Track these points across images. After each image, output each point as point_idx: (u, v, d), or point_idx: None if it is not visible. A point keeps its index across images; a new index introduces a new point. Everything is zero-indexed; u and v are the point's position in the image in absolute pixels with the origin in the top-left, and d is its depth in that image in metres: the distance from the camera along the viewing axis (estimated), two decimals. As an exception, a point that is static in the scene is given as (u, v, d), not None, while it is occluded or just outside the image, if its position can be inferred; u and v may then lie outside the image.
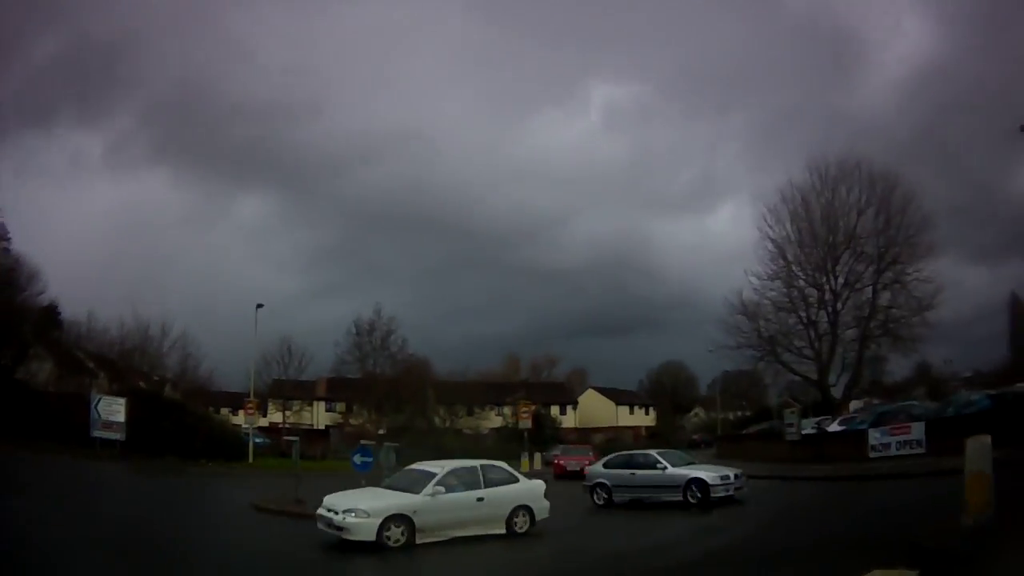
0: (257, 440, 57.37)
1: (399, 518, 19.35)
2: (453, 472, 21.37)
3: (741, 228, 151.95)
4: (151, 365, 68.14)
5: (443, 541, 19.80)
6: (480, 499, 20.94)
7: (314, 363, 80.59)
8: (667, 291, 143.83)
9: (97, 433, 46.66)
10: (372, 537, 18.88)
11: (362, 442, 33.14)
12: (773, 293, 56.83)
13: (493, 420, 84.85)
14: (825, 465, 40.03)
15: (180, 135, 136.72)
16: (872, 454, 39.76)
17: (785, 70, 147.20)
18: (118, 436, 46.76)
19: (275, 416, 78.54)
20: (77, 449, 44.65)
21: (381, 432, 61.31)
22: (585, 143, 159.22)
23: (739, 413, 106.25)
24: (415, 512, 19.60)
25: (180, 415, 51.60)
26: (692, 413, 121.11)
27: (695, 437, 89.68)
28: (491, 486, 21.42)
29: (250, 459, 52.60)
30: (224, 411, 75.21)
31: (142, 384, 61.20)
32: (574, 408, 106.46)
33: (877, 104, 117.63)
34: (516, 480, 22.31)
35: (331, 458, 58.60)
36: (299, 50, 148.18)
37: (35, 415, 45.95)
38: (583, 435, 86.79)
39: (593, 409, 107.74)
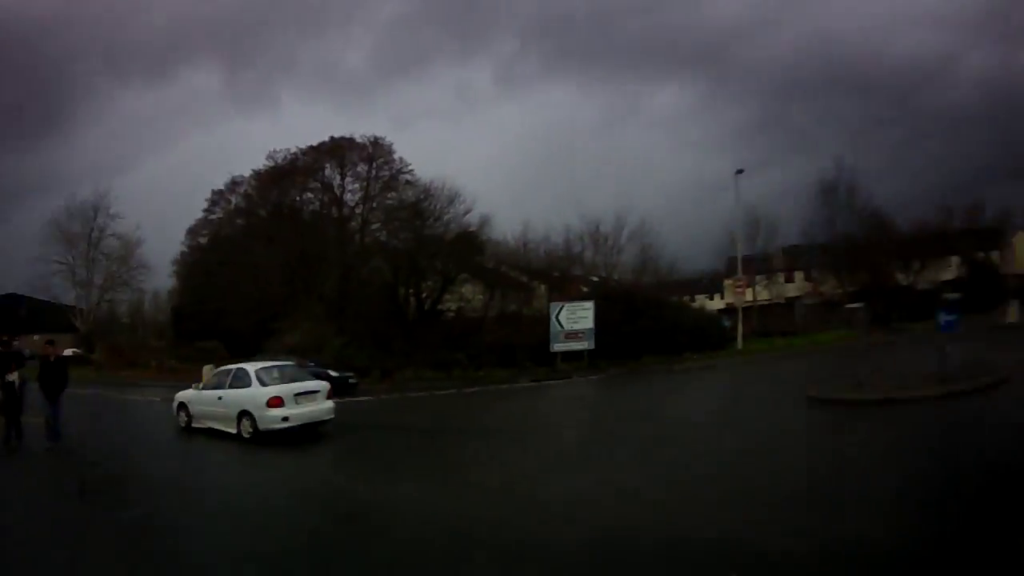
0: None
1: (183, 405, 23.23)
2: (216, 372, 24.02)
3: None
4: (605, 264, 63.40)
5: (205, 428, 22.11)
6: (219, 398, 21.88)
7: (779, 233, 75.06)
8: None
9: (558, 346, 41.72)
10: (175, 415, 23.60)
11: (945, 296, 25.23)
12: None
13: (945, 272, 74.90)
14: None
15: (569, 44, 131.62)
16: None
17: None
18: (585, 344, 41.59)
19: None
20: (535, 368, 40.82)
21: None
22: None
23: None
24: (189, 401, 23.08)
25: (658, 311, 45.87)
26: None
27: None
28: (232, 387, 21.79)
29: (739, 345, 47.93)
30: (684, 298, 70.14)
31: (584, 288, 55.14)
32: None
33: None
34: (248, 385, 21.60)
35: (811, 331, 53.33)
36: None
37: (471, 342, 43.64)
38: None
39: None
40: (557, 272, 58.10)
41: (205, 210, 62.64)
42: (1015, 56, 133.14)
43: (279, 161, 57.12)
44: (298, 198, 57.70)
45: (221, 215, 62.73)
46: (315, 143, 54.75)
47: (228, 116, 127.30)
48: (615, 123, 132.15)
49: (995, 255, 76.22)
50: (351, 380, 34.44)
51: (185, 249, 64.48)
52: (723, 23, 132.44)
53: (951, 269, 75.24)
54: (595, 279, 60.39)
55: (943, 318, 23.82)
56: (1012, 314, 47.80)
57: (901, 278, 70.51)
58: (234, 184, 61.06)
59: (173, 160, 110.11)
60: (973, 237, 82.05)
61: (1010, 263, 50.28)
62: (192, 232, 63.86)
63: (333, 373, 32.02)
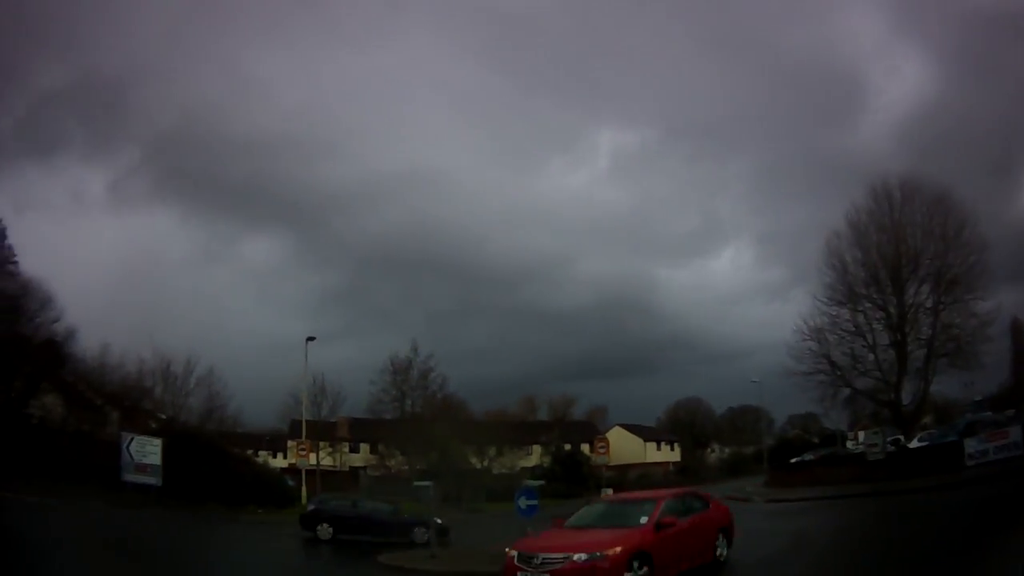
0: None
1: None
2: None
3: (742, 270, 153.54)
4: (173, 404, 62.80)
5: None
6: None
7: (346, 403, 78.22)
8: (667, 331, 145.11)
9: (129, 477, 41.57)
10: None
11: (527, 482, 28.60)
12: (838, 318, 55.84)
13: (525, 460, 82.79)
14: (929, 477, 40.08)
15: (186, 172, 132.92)
16: (969, 462, 40.11)
17: (786, 114, 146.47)
18: (153, 481, 41.76)
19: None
20: (106, 494, 39.54)
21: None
22: (591, 188, 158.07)
23: (751, 448, 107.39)
24: None
25: (221, 458, 47.19)
26: (708, 449, 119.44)
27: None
28: None
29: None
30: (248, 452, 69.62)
31: (153, 424, 55.14)
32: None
33: (876, 145, 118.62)
34: None
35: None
36: (313, 90, 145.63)
37: (53, 456, 40.78)
38: (618, 472, 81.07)
39: (621, 447, 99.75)
40: (129, 402, 57.21)
41: None
42: (623, 263, 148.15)
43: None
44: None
45: None
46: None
47: None
48: (206, 262, 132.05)
49: (585, 447, 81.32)
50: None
51: None
52: (335, 187, 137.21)
53: (531, 457, 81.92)
54: (163, 417, 60.06)
55: (524, 502, 24.75)
56: None
57: (475, 461, 73.66)
58: None
59: None
60: (562, 428, 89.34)
61: (601, 456, 54.21)
62: None
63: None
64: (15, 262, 49.67)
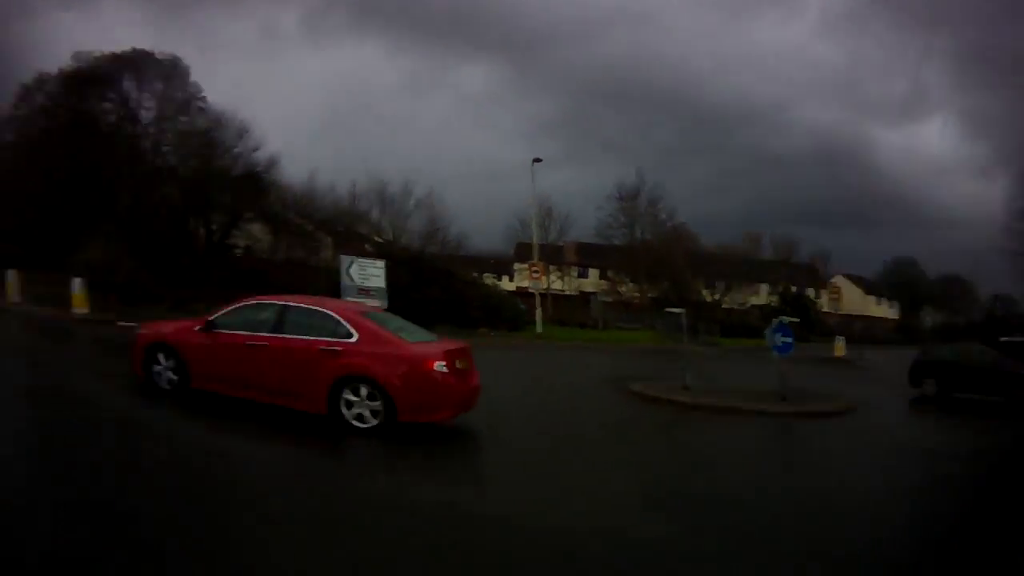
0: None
1: None
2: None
3: (948, 140, 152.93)
4: (392, 226, 61.01)
5: None
6: None
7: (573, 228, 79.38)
8: (880, 189, 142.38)
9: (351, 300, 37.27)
10: None
11: (781, 318, 23.15)
12: None
13: (754, 297, 79.81)
14: None
15: (389, 2, 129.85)
16: None
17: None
18: (378, 303, 37.27)
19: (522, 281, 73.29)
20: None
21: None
22: (801, 41, 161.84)
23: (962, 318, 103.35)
24: None
25: (447, 280, 45.52)
26: (921, 313, 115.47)
27: None
28: None
29: (539, 328, 47.12)
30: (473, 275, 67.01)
31: (368, 247, 52.77)
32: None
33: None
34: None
35: (611, 328, 54.44)
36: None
37: (261, 286, 37.08)
38: (844, 321, 73.64)
39: (843, 296, 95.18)
40: (342, 227, 56.24)
41: (14, 105, 55.26)
42: (835, 116, 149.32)
43: (84, 64, 51.05)
44: (97, 107, 51.84)
45: (28, 113, 55.37)
46: (118, 50, 49.61)
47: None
48: (418, 91, 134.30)
49: (810, 291, 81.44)
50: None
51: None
52: (550, 16, 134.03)
53: (759, 295, 79.80)
54: (380, 240, 58.07)
55: (780, 339, 22.64)
56: (840, 349, 48.42)
57: (706, 294, 72.00)
58: (40, 82, 52.60)
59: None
60: (786, 270, 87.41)
61: (834, 303, 54.27)
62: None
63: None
64: (203, 98, 49.60)
